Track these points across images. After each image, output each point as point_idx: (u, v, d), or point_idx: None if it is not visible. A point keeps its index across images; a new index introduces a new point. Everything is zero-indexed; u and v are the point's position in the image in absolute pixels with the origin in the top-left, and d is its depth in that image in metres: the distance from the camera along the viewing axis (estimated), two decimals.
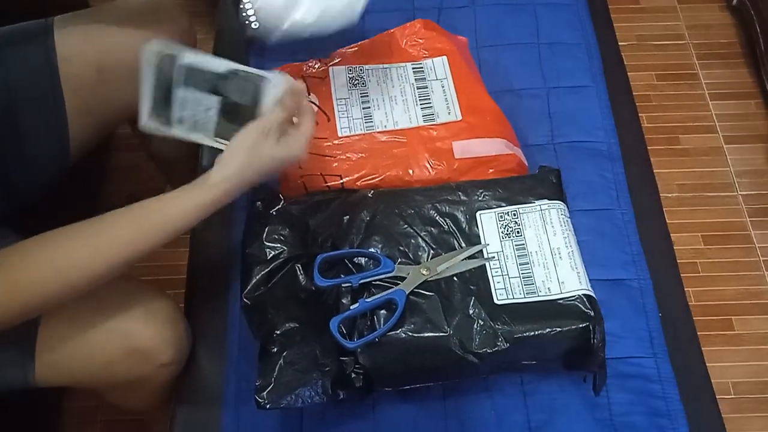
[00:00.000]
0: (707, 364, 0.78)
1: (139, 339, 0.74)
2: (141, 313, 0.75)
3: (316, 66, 0.90)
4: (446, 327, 0.68)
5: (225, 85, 0.72)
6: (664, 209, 0.90)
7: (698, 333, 0.80)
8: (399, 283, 0.70)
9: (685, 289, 0.83)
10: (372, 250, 0.73)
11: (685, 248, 1.32)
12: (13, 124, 0.82)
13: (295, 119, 0.72)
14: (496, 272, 0.72)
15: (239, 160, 0.68)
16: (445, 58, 0.89)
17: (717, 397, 0.76)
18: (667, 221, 0.89)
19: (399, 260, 0.72)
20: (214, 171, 0.67)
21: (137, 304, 0.75)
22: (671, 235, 0.88)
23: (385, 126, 0.84)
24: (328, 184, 0.80)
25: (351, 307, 0.68)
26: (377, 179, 0.80)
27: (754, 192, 1.39)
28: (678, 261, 0.85)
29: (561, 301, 0.69)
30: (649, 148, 0.94)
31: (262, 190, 0.80)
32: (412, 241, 0.74)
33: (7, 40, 0.84)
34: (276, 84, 0.71)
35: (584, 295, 0.69)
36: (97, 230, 0.64)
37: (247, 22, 1.00)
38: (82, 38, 0.85)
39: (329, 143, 0.83)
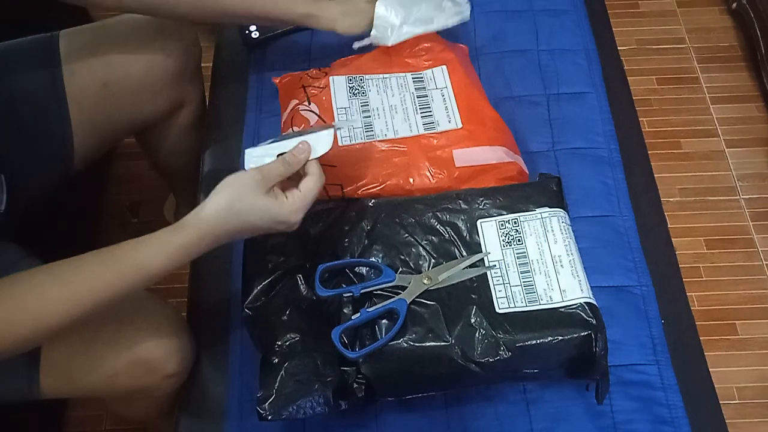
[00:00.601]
0: (711, 369, 0.78)
1: (144, 350, 0.74)
2: (146, 324, 0.75)
3: (317, 76, 0.90)
4: (448, 336, 0.68)
5: None
6: (666, 214, 0.90)
7: (702, 338, 0.80)
8: (400, 293, 0.70)
9: (688, 293, 0.83)
10: (373, 259, 0.73)
11: (688, 253, 1.32)
12: (17, 137, 0.83)
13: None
14: (498, 281, 0.72)
15: (219, 203, 0.64)
16: (444, 67, 0.89)
17: (721, 402, 0.75)
18: (669, 226, 0.89)
19: (400, 269, 0.73)
20: (191, 213, 0.64)
21: (143, 315, 0.76)
22: (674, 239, 0.88)
23: (386, 135, 0.84)
24: (329, 193, 0.81)
25: (352, 317, 0.68)
26: (378, 188, 0.81)
27: (756, 195, 1.39)
28: (681, 266, 0.85)
29: (562, 309, 0.69)
30: (650, 152, 0.95)
31: None
32: (413, 250, 0.74)
33: (13, 53, 0.84)
34: (323, 139, 0.69)
35: (586, 303, 0.69)
36: (73, 274, 0.62)
37: (247, 31, 1.01)
38: (87, 52, 0.86)
39: (330, 153, 0.83)
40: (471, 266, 0.73)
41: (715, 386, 0.77)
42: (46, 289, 0.61)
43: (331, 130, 0.70)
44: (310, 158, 0.68)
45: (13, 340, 0.59)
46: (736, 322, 1.26)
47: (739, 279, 1.30)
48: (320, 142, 0.69)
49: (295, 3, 0.85)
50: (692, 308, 0.83)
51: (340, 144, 0.84)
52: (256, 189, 0.63)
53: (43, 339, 0.62)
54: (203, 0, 0.82)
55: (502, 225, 0.75)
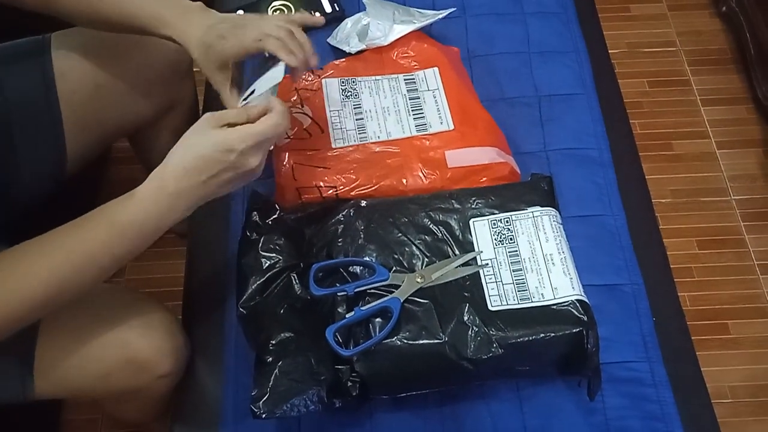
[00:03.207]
0: (703, 369, 0.78)
1: (138, 350, 0.74)
2: (139, 324, 0.75)
3: (309, 78, 0.91)
4: (441, 334, 0.68)
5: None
6: (658, 215, 0.91)
7: (694, 337, 0.81)
8: (394, 291, 0.71)
9: (681, 293, 0.84)
10: (367, 258, 0.74)
11: (680, 253, 1.33)
12: (9, 139, 0.83)
13: None
14: (490, 279, 0.72)
15: (175, 146, 0.64)
16: (436, 69, 0.90)
17: (714, 401, 0.76)
18: (662, 226, 0.90)
19: (394, 268, 0.73)
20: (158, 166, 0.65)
21: (135, 315, 0.76)
22: (666, 240, 0.89)
23: (379, 137, 0.85)
24: (323, 194, 0.81)
25: (346, 316, 0.69)
26: (371, 189, 0.81)
27: (747, 196, 1.40)
28: (673, 266, 0.86)
29: (554, 307, 0.70)
30: (642, 154, 0.96)
31: (259, 200, 0.81)
32: (407, 249, 0.75)
33: (5, 56, 0.85)
34: (273, 74, 0.71)
35: (577, 300, 0.70)
36: (47, 244, 0.62)
37: None
38: (79, 54, 0.86)
39: (323, 154, 0.84)
40: (464, 265, 0.73)
41: (708, 385, 0.77)
42: (23, 264, 0.60)
43: (282, 66, 0.71)
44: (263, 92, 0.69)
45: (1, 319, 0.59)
46: (728, 321, 1.27)
47: (730, 279, 1.31)
48: (271, 79, 0.70)
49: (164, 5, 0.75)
50: (684, 308, 0.84)
51: (333, 146, 0.85)
52: (206, 125, 0.64)
53: (33, 315, 0.62)
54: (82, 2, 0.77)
55: (494, 224, 0.76)
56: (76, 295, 0.63)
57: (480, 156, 0.83)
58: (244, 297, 0.74)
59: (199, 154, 0.63)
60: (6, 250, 0.61)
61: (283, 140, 0.83)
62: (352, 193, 0.81)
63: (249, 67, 0.80)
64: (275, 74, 0.72)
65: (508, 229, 0.75)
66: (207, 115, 0.65)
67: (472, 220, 0.76)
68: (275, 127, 0.64)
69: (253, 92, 0.73)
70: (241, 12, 1.02)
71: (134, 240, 0.64)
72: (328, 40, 0.99)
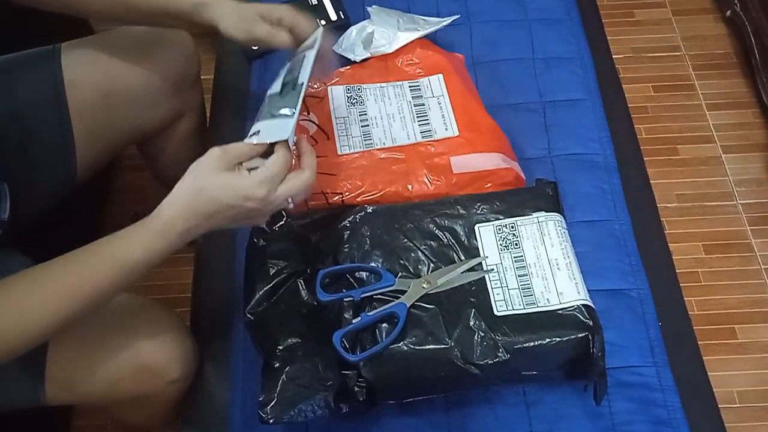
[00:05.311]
0: (711, 373, 0.78)
1: (148, 356, 0.75)
2: (149, 330, 0.76)
3: (315, 86, 0.92)
4: (447, 339, 0.69)
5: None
6: (664, 220, 0.91)
7: (701, 342, 0.81)
8: (400, 297, 0.71)
9: (687, 298, 0.84)
10: (373, 264, 0.74)
11: (686, 258, 1.33)
12: (20, 147, 0.84)
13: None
14: (496, 284, 0.73)
15: (183, 184, 0.62)
16: (441, 75, 0.91)
17: (721, 406, 0.76)
18: (668, 231, 0.90)
19: (400, 274, 0.74)
20: (164, 201, 0.63)
21: (145, 321, 0.77)
22: (671, 244, 0.89)
23: (384, 143, 0.86)
24: (329, 201, 0.82)
25: (353, 321, 0.69)
26: (377, 195, 0.82)
27: (753, 200, 1.40)
28: (679, 271, 0.86)
29: (560, 312, 0.70)
30: (647, 159, 0.96)
31: None
32: (412, 254, 0.75)
33: (16, 66, 0.86)
34: (281, 126, 0.66)
35: (583, 305, 0.70)
36: (49, 276, 0.61)
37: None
38: (88, 64, 0.87)
39: (329, 161, 0.84)
40: (469, 270, 0.74)
41: (715, 390, 0.77)
42: (25, 295, 0.60)
43: (292, 120, 0.66)
44: (273, 140, 0.65)
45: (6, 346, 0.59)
46: (736, 326, 1.27)
47: (737, 283, 1.31)
48: (280, 129, 0.66)
49: None
50: (691, 313, 0.84)
51: (339, 153, 0.85)
52: (217, 164, 0.62)
53: (30, 345, 0.61)
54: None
55: (499, 229, 0.76)
56: (78, 322, 0.63)
57: (485, 162, 0.84)
58: (252, 303, 0.74)
59: (213, 198, 0.61)
60: (9, 278, 0.61)
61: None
62: (358, 200, 0.82)
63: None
64: (284, 125, 0.67)
65: (514, 235, 0.76)
66: (216, 151, 0.62)
67: (477, 225, 0.77)
68: (283, 164, 0.63)
69: (257, 132, 0.68)
70: None
71: (140, 274, 0.64)
72: (333, 47, 1.00)
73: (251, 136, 0.68)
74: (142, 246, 0.62)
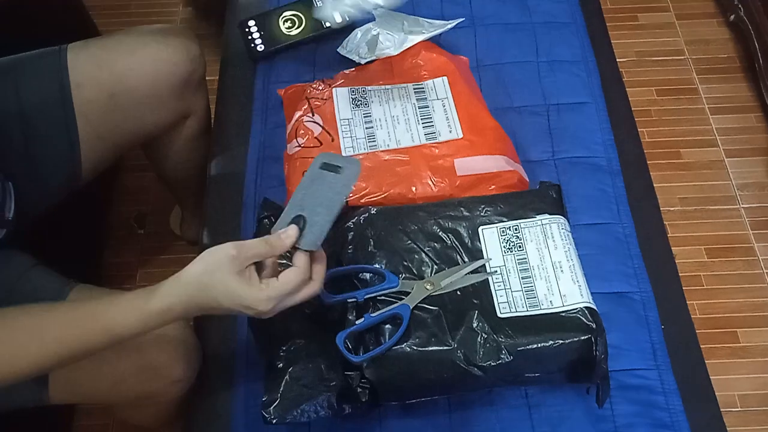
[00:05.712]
0: (713, 377, 0.78)
1: (151, 356, 0.75)
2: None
3: (320, 87, 0.92)
4: (450, 341, 0.69)
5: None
6: (666, 223, 0.91)
7: (703, 346, 0.81)
8: (403, 298, 0.72)
9: (690, 302, 0.84)
10: (376, 265, 0.75)
11: (689, 261, 1.33)
12: (26, 147, 0.85)
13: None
14: (499, 286, 0.73)
15: (191, 275, 0.60)
16: (445, 78, 0.91)
17: (724, 410, 0.76)
18: (670, 235, 0.90)
19: (403, 275, 0.74)
20: (167, 280, 0.62)
21: None
22: (674, 248, 0.89)
23: (388, 145, 0.86)
24: None
25: (357, 322, 0.69)
26: (381, 197, 0.82)
27: (756, 205, 1.40)
28: (682, 274, 0.86)
29: (563, 314, 0.70)
30: (650, 162, 0.96)
31: (270, 208, 0.82)
32: (416, 256, 0.75)
33: (22, 66, 0.86)
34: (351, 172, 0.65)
35: (586, 307, 0.70)
36: (42, 326, 0.61)
37: (252, 45, 1.03)
38: (94, 65, 0.88)
39: None
40: (473, 272, 0.74)
41: (718, 394, 0.77)
42: (15, 337, 0.61)
43: (326, 230, 0.63)
44: (300, 247, 0.62)
45: None
46: (738, 330, 1.26)
47: (740, 287, 1.31)
48: (311, 233, 0.63)
49: None
50: (693, 316, 0.84)
51: (343, 154, 0.86)
52: (228, 266, 0.59)
53: (10, 383, 0.62)
54: None
55: (503, 231, 0.76)
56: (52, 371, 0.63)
57: (489, 164, 0.84)
58: None
59: (215, 299, 0.60)
60: (4, 314, 0.61)
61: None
62: (362, 201, 0.82)
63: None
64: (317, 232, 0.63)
65: (517, 237, 0.76)
66: (230, 250, 0.59)
67: (481, 227, 0.77)
68: (297, 283, 0.61)
69: (295, 220, 0.64)
70: (252, 22, 1.03)
71: (124, 341, 0.63)
72: (338, 50, 1.00)
73: (284, 220, 0.63)
74: (138, 321, 0.61)
